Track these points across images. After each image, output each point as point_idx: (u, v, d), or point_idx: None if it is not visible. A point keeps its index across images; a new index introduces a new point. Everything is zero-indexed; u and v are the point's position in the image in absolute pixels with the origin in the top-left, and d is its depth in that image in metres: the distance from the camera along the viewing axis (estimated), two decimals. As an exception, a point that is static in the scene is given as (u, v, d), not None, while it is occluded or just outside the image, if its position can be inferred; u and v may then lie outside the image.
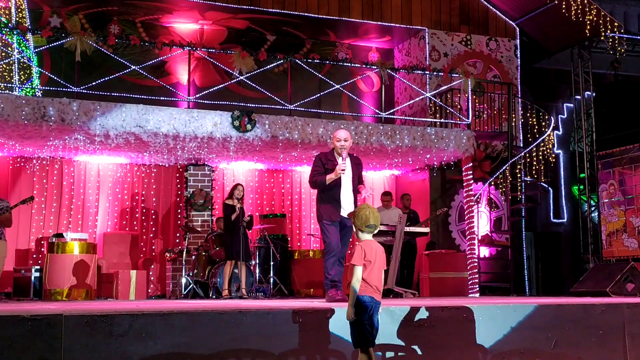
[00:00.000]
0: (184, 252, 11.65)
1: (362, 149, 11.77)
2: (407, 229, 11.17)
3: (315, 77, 12.79)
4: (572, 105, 16.25)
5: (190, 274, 11.66)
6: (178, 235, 12.83)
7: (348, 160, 7.79)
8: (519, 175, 13.88)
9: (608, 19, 14.03)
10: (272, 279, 11.97)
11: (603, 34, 14.05)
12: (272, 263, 12.03)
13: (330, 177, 7.56)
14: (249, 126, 10.99)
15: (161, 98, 11.93)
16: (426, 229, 11.78)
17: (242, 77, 11.54)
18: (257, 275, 11.98)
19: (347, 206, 7.65)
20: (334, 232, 7.59)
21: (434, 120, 13.24)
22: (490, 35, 15.00)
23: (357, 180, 7.80)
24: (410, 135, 11.91)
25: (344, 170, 7.62)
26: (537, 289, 16.12)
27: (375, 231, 5.16)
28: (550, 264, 16.65)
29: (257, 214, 13.57)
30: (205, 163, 12.69)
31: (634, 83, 16.39)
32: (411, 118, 13.93)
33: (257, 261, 12.14)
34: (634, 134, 13.75)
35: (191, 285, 11.51)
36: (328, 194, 7.65)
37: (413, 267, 12.62)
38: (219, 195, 13.14)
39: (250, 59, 11.43)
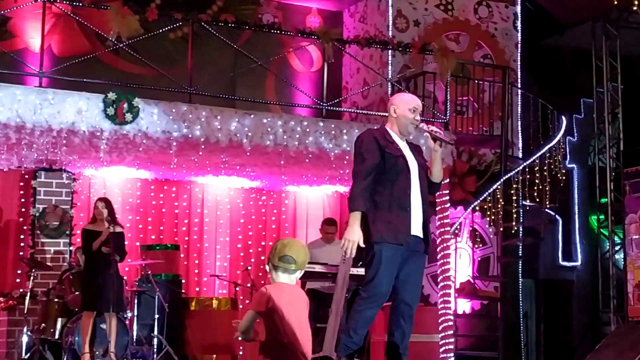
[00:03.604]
0: (27, 298, 11.48)
1: (293, 154, 11.81)
2: (356, 271, 11.20)
3: (229, 49, 12.78)
4: (592, 100, 16.57)
5: (36, 330, 11.51)
6: (19, 272, 12.65)
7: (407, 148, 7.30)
8: (515, 197, 14.05)
9: (645, -19, 14.41)
10: (156, 339, 11.87)
11: (637, 2, 14.39)
12: (157, 316, 11.96)
13: None
14: (128, 116, 10.93)
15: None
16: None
17: (121, 45, 11.48)
18: (135, 333, 11.87)
19: (418, 220, 7.13)
20: (392, 265, 7.04)
21: (397, 115, 13.35)
22: (481, -2, 15.28)
23: (427, 181, 7.34)
24: (363, 136, 11.99)
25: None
26: (537, 361, 16.37)
27: (298, 272, 5.20)
28: (556, 324, 16.91)
29: (137, 243, 13.48)
30: (64, 168, 12.57)
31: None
32: (365, 112, 14.01)
33: (136, 313, 12.05)
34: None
35: (36, 346, 11.36)
36: (390, 199, 7.11)
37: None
38: (82, 214, 12.98)
39: (134, 18, 11.36)
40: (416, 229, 7.10)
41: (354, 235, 6.95)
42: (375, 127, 7.56)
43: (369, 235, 7.01)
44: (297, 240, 5.21)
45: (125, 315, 11.38)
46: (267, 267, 5.21)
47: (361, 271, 11.32)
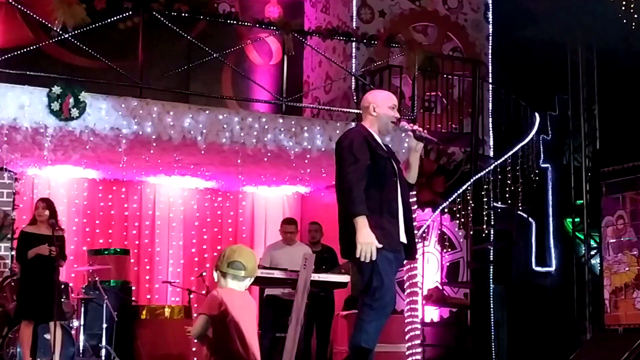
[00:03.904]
0: (-36, 307, 11.41)
1: (251, 153, 11.75)
2: (318, 276, 11.09)
3: (182, 40, 12.68)
4: (567, 97, 16.61)
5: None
6: (-44, 279, 12.48)
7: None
8: (486, 199, 14.06)
9: (623, -30, 14.44)
10: (104, 350, 11.86)
11: (614, -7, 14.43)
12: (105, 325, 11.91)
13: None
14: (75, 111, 10.82)
15: None
16: (346, 278, 11.74)
17: (67, 36, 11.35)
18: (82, 343, 11.81)
19: (402, 226, 7.21)
20: (393, 271, 7.10)
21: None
22: (450, -13, 15.27)
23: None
24: (326, 133, 11.94)
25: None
26: (509, 371, 16.34)
27: (247, 280, 5.17)
28: (529, 333, 16.91)
29: (85, 248, 13.45)
30: (5, 167, 12.42)
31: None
32: (327, 108, 13.97)
33: (82, 322, 11.97)
34: (655, 142, 14.15)
35: (-26, 359, 11.23)
36: (380, 203, 7.09)
37: (327, 335, 12.65)
38: (24, 217, 12.79)
39: (80, 7, 11.30)
40: (402, 235, 7.16)
41: (369, 237, 6.84)
42: (354, 126, 7.42)
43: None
44: (246, 247, 5.19)
45: (70, 325, 11.37)
46: (214, 275, 5.22)
47: (323, 277, 11.27)
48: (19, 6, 11.90)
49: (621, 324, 13.01)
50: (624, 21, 14.86)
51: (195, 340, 5.44)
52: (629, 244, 13.08)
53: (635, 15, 14.84)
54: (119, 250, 13.28)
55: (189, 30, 13.31)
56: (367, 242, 6.82)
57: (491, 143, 14.99)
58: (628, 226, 13.16)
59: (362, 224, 6.87)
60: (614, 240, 13.36)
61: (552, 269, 17.10)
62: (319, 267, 11.49)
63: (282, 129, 11.75)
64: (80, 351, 11.66)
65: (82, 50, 11.70)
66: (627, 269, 13.13)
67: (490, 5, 15.43)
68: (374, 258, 6.87)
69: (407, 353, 12.35)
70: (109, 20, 11.92)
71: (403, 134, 7.45)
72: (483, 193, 13.93)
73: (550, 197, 17.16)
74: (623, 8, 14.67)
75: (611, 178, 13.41)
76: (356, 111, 13.32)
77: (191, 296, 13.17)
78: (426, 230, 13.97)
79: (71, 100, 10.82)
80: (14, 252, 12.30)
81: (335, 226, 13.50)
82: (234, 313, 5.10)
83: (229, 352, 5.13)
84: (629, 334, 12.03)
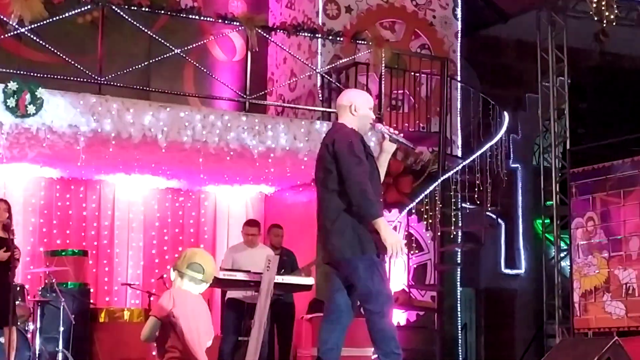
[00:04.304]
0: None
1: (213, 151, 11.82)
2: (282, 278, 11.19)
3: (143, 36, 12.70)
4: (537, 95, 16.74)
5: None
6: None
7: None
8: (454, 200, 14.12)
9: (592, -31, 14.59)
10: (61, 354, 11.82)
11: (585, -10, 14.58)
12: (62, 329, 11.86)
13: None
14: (31, 108, 10.87)
15: None
16: (310, 280, 11.83)
17: (23, 30, 11.36)
18: (38, 347, 11.73)
19: None
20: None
21: (327, 110, 13.34)
22: (419, -16, 15.35)
23: None
24: (290, 132, 12.02)
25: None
26: (477, 376, 16.49)
27: (204, 285, 5.24)
28: (498, 337, 17.08)
29: (41, 249, 13.41)
30: (-43, 165, 12.41)
31: (627, 66, 17.03)
32: (292, 106, 14.00)
33: (39, 325, 11.90)
34: (625, 142, 14.26)
35: None
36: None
37: (290, 338, 12.70)
38: (-21, 218, 12.86)
39: (38, 1, 11.28)
40: None
41: (396, 235, 7.10)
42: (341, 126, 7.38)
43: (361, 247, 7.02)
44: (207, 252, 5.30)
45: (26, 328, 11.27)
46: (172, 274, 5.28)
47: (287, 279, 11.38)
48: (-27, 0, 11.90)
49: (591, 328, 13.15)
50: (595, 19, 15.05)
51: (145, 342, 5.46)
52: (599, 246, 13.18)
53: (607, 14, 15.04)
54: (77, 251, 13.19)
55: (150, 25, 13.25)
56: (397, 241, 6.93)
57: (459, 143, 15.06)
58: (598, 228, 13.28)
59: (385, 225, 6.96)
60: (584, 243, 13.47)
61: (522, 271, 17.28)
62: (278, 271, 11.58)
63: (245, 127, 11.81)
64: (37, 355, 11.56)
65: (40, 45, 11.74)
66: (597, 271, 13.23)
67: (460, 2, 15.50)
68: (402, 255, 7.07)
69: (373, 357, 12.41)
70: (67, 15, 11.97)
71: (379, 136, 7.48)
72: (451, 194, 13.94)
73: (519, 198, 17.36)
74: (594, 6, 14.86)
75: (581, 179, 13.55)
76: (322, 109, 13.44)
77: (151, 299, 13.02)
78: (393, 231, 14.05)
79: (28, 96, 10.86)
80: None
81: (300, 228, 13.69)
82: (186, 315, 5.13)
83: (176, 353, 5.19)
84: (599, 338, 12.16)
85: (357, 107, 7.27)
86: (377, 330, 7.12)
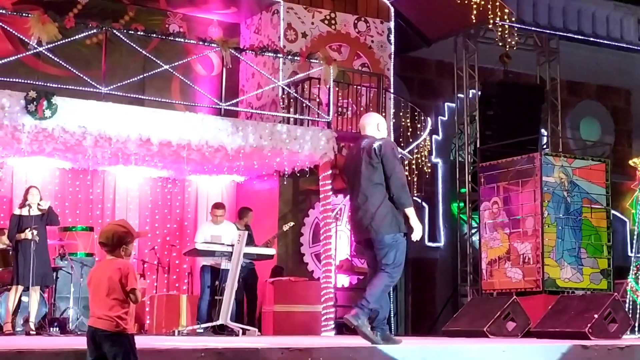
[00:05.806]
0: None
1: (195, 148, 11.77)
2: (250, 249, 11.26)
3: (139, 54, 12.63)
4: (454, 105, 16.88)
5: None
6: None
7: None
8: (387, 187, 14.17)
9: (498, 4, 14.70)
10: (71, 311, 11.77)
11: (492, 21, 14.70)
12: (72, 290, 11.85)
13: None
14: (47, 112, 10.77)
15: None
16: (272, 251, 11.87)
17: (41, 49, 11.26)
18: (54, 304, 11.74)
19: None
20: None
21: (287, 115, 13.36)
22: (360, 15, 15.37)
23: None
24: (257, 132, 12.00)
25: None
26: (405, 327, 16.58)
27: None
28: (422, 297, 17.19)
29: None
30: (-11, 158, 12.30)
31: (524, 82, 17.21)
32: (259, 111, 14.02)
33: (54, 286, 11.88)
34: (522, 143, 14.41)
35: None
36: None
37: (255, 298, 12.71)
38: (5, 199, 12.88)
39: (52, 25, 11.17)
40: None
41: (419, 223, 7.53)
42: (381, 136, 7.77)
43: (397, 225, 7.45)
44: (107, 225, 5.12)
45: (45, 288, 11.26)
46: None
47: (254, 250, 11.43)
48: (1, 23, 11.76)
49: (495, 289, 13.23)
50: (500, 44, 15.20)
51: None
52: (502, 224, 13.26)
53: (509, 39, 15.18)
54: (84, 227, 13.14)
55: (145, 46, 13.18)
56: (420, 227, 7.50)
57: (392, 142, 15.15)
58: (501, 210, 13.35)
59: (413, 213, 7.52)
60: (490, 222, 13.55)
61: (441, 244, 17.41)
62: (251, 242, 11.67)
63: (221, 129, 11.78)
64: (52, 311, 11.55)
65: (55, 61, 11.63)
66: (500, 244, 13.31)
67: (393, 29, 15.58)
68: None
69: (322, 313, 12.47)
70: (77, 37, 11.92)
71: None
72: (385, 182, 14.02)
73: (440, 186, 17.46)
74: (499, 34, 15.00)
75: (488, 171, 13.63)
76: (282, 114, 13.47)
77: (145, 265, 13.24)
78: (339, 212, 14.10)
79: (45, 102, 10.78)
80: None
81: (264, 208, 13.66)
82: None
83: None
84: (501, 297, 12.27)
85: (380, 125, 7.79)
86: (374, 284, 7.41)
